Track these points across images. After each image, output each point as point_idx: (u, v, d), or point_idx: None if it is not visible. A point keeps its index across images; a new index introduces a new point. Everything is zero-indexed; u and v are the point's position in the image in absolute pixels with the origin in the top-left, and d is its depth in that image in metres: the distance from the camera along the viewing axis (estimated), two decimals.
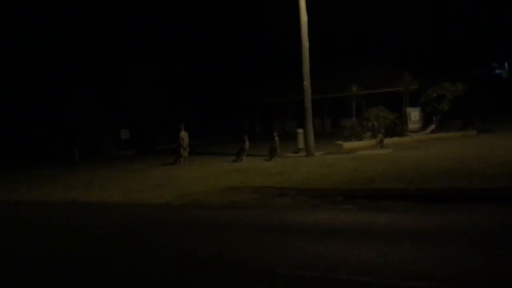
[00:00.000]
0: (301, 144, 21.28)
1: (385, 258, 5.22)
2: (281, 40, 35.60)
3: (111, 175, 16.74)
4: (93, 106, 27.58)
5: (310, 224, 7.29)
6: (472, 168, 11.33)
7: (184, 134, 18.94)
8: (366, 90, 24.76)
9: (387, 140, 21.52)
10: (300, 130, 21.82)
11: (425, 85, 24.17)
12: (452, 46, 36.98)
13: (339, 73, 31.64)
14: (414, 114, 22.78)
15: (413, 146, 19.63)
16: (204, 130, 33.37)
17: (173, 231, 7.60)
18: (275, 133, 18.76)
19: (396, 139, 21.82)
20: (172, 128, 33.48)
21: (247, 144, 18.57)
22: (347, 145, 21.59)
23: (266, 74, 37.57)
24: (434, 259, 5.03)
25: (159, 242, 6.90)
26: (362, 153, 18.50)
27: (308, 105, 19.11)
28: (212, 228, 7.54)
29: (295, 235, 6.61)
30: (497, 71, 51.73)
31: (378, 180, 10.54)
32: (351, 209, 8.03)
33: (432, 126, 22.48)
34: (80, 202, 11.79)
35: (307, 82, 18.95)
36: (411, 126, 22.74)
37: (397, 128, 22.62)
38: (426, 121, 23.13)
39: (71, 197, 12.39)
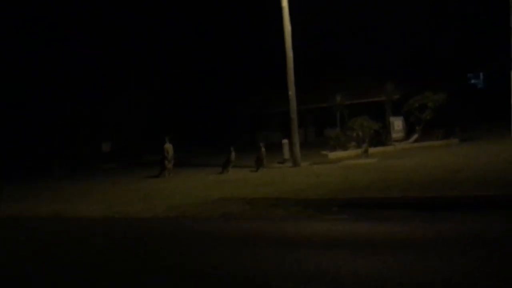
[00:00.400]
0: (286, 155, 21.19)
1: (392, 269, 5.05)
2: (266, 50, 35.64)
3: (95, 188, 16.32)
4: (76, 118, 27.11)
5: (308, 235, 7.09)
6: (462, 176, 11.32)
7: (168, 146, 18.65)
8: (350, 100, 24.83)
9: (371, 150, 21.56)
10: (285, 141, 21.73)
11: (407, 95, 24.41)
12: (432, 57, 37.58)
13: (322, 83, 31.76)
14: (397, 124, 22.92)
15: (398, 155, 19.67)
16: (189, 141, 33.10)
17: (163, 244, 7.29)
18: (261, 144, 18.61)
19: (380, 149, 21.89)
20: (156, 140, 33.24)
21: (233, 155, 18.38)
22: (333, 155, 21.57)
23: (252, 85, 37.59)
24: (445, 270, 4.88)
25: (149, 256, 6.61)
26: (348, 163, 18.45)
27: (294, 115, 19.04)
28: (205, 240, 7.28)
29: (293, 247, 6.40)
30: (472, 81, 52.87)
31: (371, 189, 10.41)
32: (348, 219, 7.87)
33: (415, 135, 22.63)
34: (64, 216, 11.38)
35: (292, 92, 18.89)
36: (394, 135, 22.87)
37: (381, 137, 22.73)
38: (409, 130, 23.30)
39: (54, 212, 11.96)
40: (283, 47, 18.64)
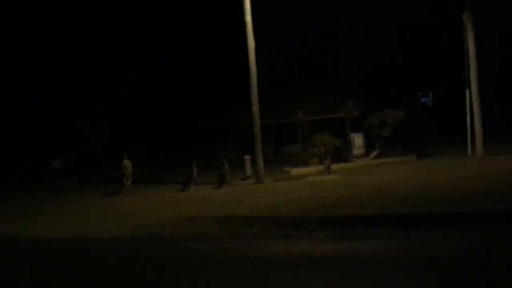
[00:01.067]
0: (249, 171, 20.95)
1: None
2: (227, 65, 35.56)
3: (50, 207, 15.43)
4: (28, 133, 25.88)
5: (287, 255, 6.83)
6: (428, 192, 11.44)
7: (127, 163, 17.99)
8: (311, 116, 24.95)
9: (333, 166, 21.64)
10: (247, 157, 21.51)
11: (366, 111, 24.82)
12: (386, 75, 38.60)
13: (281, 100, 31.86)
14: (358, 140, 23.20)
15: (360, 171, 19.84)
16: (148, 158, 32.31)
17: (130, 269, 6.79)
18: (224, 160, 18.27)
19: (341, 165, 22.03)
20: (113, 157, 32.23)
21: (195, 171, 17.93)
22: (295, 171, 21.51)
23: (213, 100, 37.27)
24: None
25: (115, 282, 6.13)
26: (312, 179, 18.40)
27: (257, 131, 18.87)
28: (178, 263, 6.87)
29: (273, 268, 6.13)
30: (422, 99, 54.88)
31: (341, 207, 10.31)
32: (327, 238, 7.69)
33: (375, 152, 22.96)
34: (18, 238, 10.59)
35: (255, 108, 18.74)
36: (355, 151, 23.12)
37: (342, 154, 22.91)
38: (368, 147, 23.62)
39: (6, 233, 11.12)
40: (247, 62, 18.49)
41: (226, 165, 18.07)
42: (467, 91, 20.49)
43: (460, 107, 35.45)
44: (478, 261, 5.66)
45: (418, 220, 8.15)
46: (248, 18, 18.36)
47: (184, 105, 36.08)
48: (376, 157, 22.87)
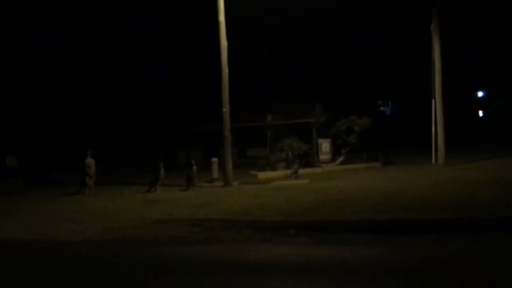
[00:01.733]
0: (215, 174, 20.64)
1: None
2: (191, 69, 35.19)
3: (6, 207, 14.56)
4: None
5: (270, 260, 6.57)
6: (400, 198, 11.51)
7: (90, 161, 17.28)
8: (280, 120, 24.90)
9: (300, 171, 21.61)
10: (214, 159, 21.19)
11: (333, 118, 25.00)
12: (349, 84, 39.19)
13: (247, 104, 31.67)
14: (325, 146, 23.30)
15: (327, 177, 19.89)
16: (110, 158, 31.37)
17: (102, 275, 6.34)
18: (192, 161, 17.86)
19: (308, 170, 22.03)
20: (67, 156, 31.12)
21: (162, 172, 17.44)
22: (262, 175, 21.34)
23: (176, 104, 36.77)
24: None
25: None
26: (280, 184, 18.27)
27: (227, 133, 18.60)
28: (152, 269, 6.49)
29: (260, 274, 5.87)
30: (381, 108, 56.12)
31: (319, 212, 10.19)
32: (308, 242, 7.51)
33: (341, 158, 23.12)
34: None
35: (226, 110, 18.46)
36: (322, 157, 23.21)
37: (308, 158, 22.93)
38: (335, 153, 23.76)
39: None
40: (219, 63, 18.17)
41: (194, 167, 17.68)
42: (433, 101, 20.90)
43: (422, 116, 36.42)
44: (463, 265, 5.62)
45: (397, 226, 8.11)
46: (222, 17, 18.07)
47: (154, 111, 35.47)
48: (342, 163, 23.04)
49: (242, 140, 34.87)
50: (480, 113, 53.50)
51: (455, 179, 15.40)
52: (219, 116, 35.36)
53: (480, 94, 54.29)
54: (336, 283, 5.28)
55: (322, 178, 19.54)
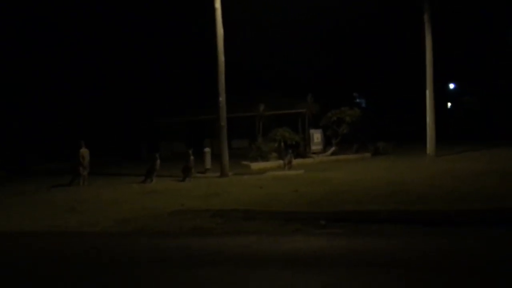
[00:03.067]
0: (208, 164, 20.32)
1: None
2: (177, 58, 34.61)
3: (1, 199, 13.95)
4: None
5: (310, 253, 6.32)
6: (409, 189, 11.55)
7: (84, 151, 16.75)
8: (272, 111, 24.71)
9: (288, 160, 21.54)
10: (207, 149, 20.90)
11: (321, 109, 25.00)
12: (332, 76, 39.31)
13: (237, 97, 31.38)
14: (316, 136, 23.24)
15: (320, 167, 19.85)
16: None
17: (135, 268, 6.02)
18: (190, 152, 17.52)
19: (299, 160, 21.94)
20: (47, 146, 30.21)
21: (158, 163, 17.06)
22: (255, 165, 21.17)
23: (155, 94, 36.11)
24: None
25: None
26: (276, 174, 18.14)
27: (224, 123, 18.33)
28: (189, 261, 6.21)
29: (304, 268, 5.66)
30: (357, 100, 56.59)
31: (336, 202, 10.11)
32: (343, 233, 7.38)
33: (332, 148, 23.13)
34: None
35: (222, 99, 18.15)
36: (313, 147, 23.14)
37: (300, 149, 22.86)
38: (325, 143, 23.74)
39: None
40: (215, 51, 17.84)
41: (192, 157, 17.35)
42: (427, 92, 21.09)
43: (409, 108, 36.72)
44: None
45: (427, 217, 8.04)
46: (218, 4, 17.71)
47: (135, 100, 34.76)
48: (333, 153, 23.05)
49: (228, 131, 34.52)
50: (449, 105, 54.31)
51: (453, 170, 15.59)
52: (203, 106, 35.04)
53: (451, 86, 55.16)
54: (389, 276, 5.15)
55: (316, 169, 19.47)
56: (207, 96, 36.70)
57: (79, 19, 33.11)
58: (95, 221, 9.55)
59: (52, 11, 31.99)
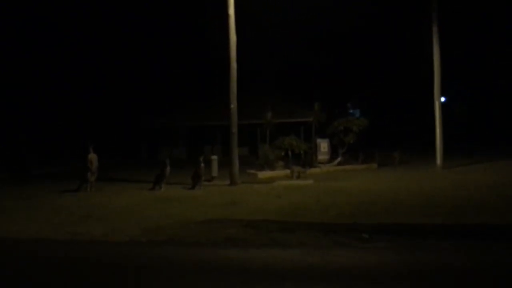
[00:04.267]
0: (215, 172, 19.91)
1: None
2: (176, 64, 34.31)
3: (10, 204, 13.42)
4: None
5: (366, 269, 6.07)
6: (438, 201, 11.30)
7: (93, 157, 16.28)
8: (278, 119, 24.42)
9: (298, 171, 21.25)
10: (214, 157, 20.49)
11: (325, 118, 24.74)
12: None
13: (242, 103, 31.07)
14: (323, 145, 22.97)
15: (329, 177, 19.58)
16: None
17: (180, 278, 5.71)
18: (200, 159, 17.12)
19: (307, 170, 21.66)
20: (46, 147, 29.63)
21: (168, 169, 16.63)
22: (262, 174, 20.82)
23: (158, 99, 35.73)
24: None
25: None
26: (288, 183, 17.81)
27: (235, 129, 17.98)
28: (237, 275, 5.89)
29: (366, 284, 5.40)
30: (351, 111, 56.61)
31: (366, 214, 9.82)
32: (390, 248, 7.09)
33: (339, 158, 22.86)
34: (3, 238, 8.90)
35: (234, 105, 17.81)
36: (320, 157, 22.85)
37: (306, 158, 22.57)
38: (331, 153, 23.47)
39: None
40: (228, 57, 17.53)
41: (202, 165, 16.95)
42: (436, 103, 20.97)
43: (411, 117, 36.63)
44: None
45: (475, 231, 7.79)
46: (231, 11, 17.45)
47: (129, 103, 34.36)
48: (339, 163, 22.80)
49: (227, 139, 34.19)
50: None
51: (468, 181, 15.43)
52: (205, 111, 34.63)
53: (442, 99, 55.52)
54: None
55: (325, 178, 19.18)
56: (208, 101, 36.41)
57: (80, 18, 32.69)
58: (120, 230, 9.14)
59: (51, 10, 31.56)
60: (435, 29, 21.23)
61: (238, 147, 33.40)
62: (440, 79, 21.40)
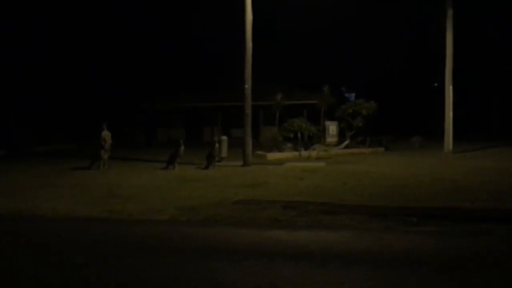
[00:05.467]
0: (224, 153, 19.70)
1: None
2: (170, 45, 33.86)
3: (25, 181, 13.13)
4: None
5: (420, 254, 5.94)
6: (464, 186, 11.25)
7: (106, 134, 16.01)
8: (288, 100, 24.16)
9: (305, 153, 21.16)
10: (224, 137, 20.26)
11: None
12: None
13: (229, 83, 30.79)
14: (332, 128, 22.86)
15: (339, 160, 19.47)
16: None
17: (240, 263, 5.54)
18: (215, 139, 16.92)
19: (314, 153, 21.56)
20: (40, 127, 29.22)
21: (182, 149, 16.40)
22: (271, 156, 20.68)
23: (154, 80, 35.29)
24: None
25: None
26: (299, 165, 17.64)
27: (248, 111, 17.70)
28: (298, 259, 5.72)
29: (435, 271, 5.29)
30: (346, 94, 56.54)
31: (401, 197, 9.72)
32: (443, 232, 6.98)
33: (347, 141, 22.80)
34: (36, 215, 8.64)
35: (248, 86, 17.53)
36: (328, 139, 22.75)
37: (315, 141, 22.45)
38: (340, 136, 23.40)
39: (11, 209, 9.07)
40: (243, 37, 17.19)
41: (216, 145, 16.76)
42: (450, 88, 20.90)
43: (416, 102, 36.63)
44: None
45: None
46: None
47: (124, 85, 33.96)
48: (346, 146, 22.73)
49: (227, 120, 34.01)
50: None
51: (483, 167, 15.42)
52: (201, 93, 34.26)
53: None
54: None
55: (336, 161, 19.07)
56: (206, 83, 36.02)
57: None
58: (153, 209, 8.94)
59: None
60: (450, 13, 21.06)
61: (237, 128, 33.27)
62: (452, 65, 21.32)
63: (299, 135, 21.21)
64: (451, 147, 20.97)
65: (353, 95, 57.92)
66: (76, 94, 33.19)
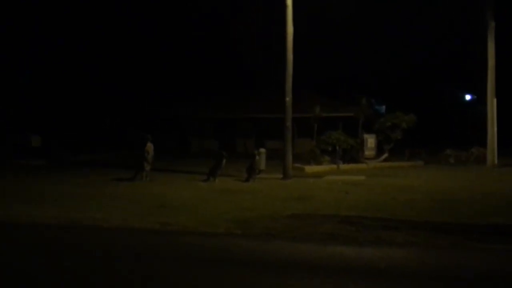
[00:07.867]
0: (262, 165, 19.54)
1: None
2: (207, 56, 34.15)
3: (72, 191, 13.29)
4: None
5: (500, 271, 5.73)
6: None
7: (149, 146, 16.10)
8: (327, 113, 24.01)
9: (345, 166, 20.91)
10: (263, 150, 20.13)
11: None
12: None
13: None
14: (370, 141, 22.54)
15: (379, 173, 19.13)
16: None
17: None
18: (255, 152, 16.86)
19: (353, 165, 21.32)
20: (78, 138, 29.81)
21: (224, 162, 16.37)
22: (309, 169, 20.49)
23: (186, 89, 35.60)
24: None
25: None
26: (342, 178, 17.42)
27: (289, 123, 17.63)
28: (359, 277, 5.56)
29: None
30: (376, 107, 55.79)
31: (459, 213, 9.43)
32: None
33: (385, 155, 22.42)
34: (91, 226, 8.69)
35: (289, 98, 17.46)
36: (367, 152, 22.43)
37: (353, 154, 22.18)
38: (378, 149, 23.05)
39: (66, 218, 9.17)
40: (284, 49, 17.18)
41: (257, 157, 16.69)
42: (494, 100, 20.40)
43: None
44: None
45: None
46: (289, 1, 17.07)
47: (155, 93, 34.39)
48: (385, 160, 22.37)
49: (261, 131, 33.92)
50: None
51: None
52: (234, 104, 34.29)
53: (468, 97, 54.35)
54: None
55: (376, 174, 18.74)
56: (240, 93, 36.05)
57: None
58: (206, 221, 8.89)
59: None
60: (492, 25, 20.64)
61: (272, 140, 33.18)
62: (494, 77, 20.83)
63: (337, 148, 20.97)
64: (496, 161, 20.39)
65: (383, 107, 57.38)
66: (105, 102, 33.65)
